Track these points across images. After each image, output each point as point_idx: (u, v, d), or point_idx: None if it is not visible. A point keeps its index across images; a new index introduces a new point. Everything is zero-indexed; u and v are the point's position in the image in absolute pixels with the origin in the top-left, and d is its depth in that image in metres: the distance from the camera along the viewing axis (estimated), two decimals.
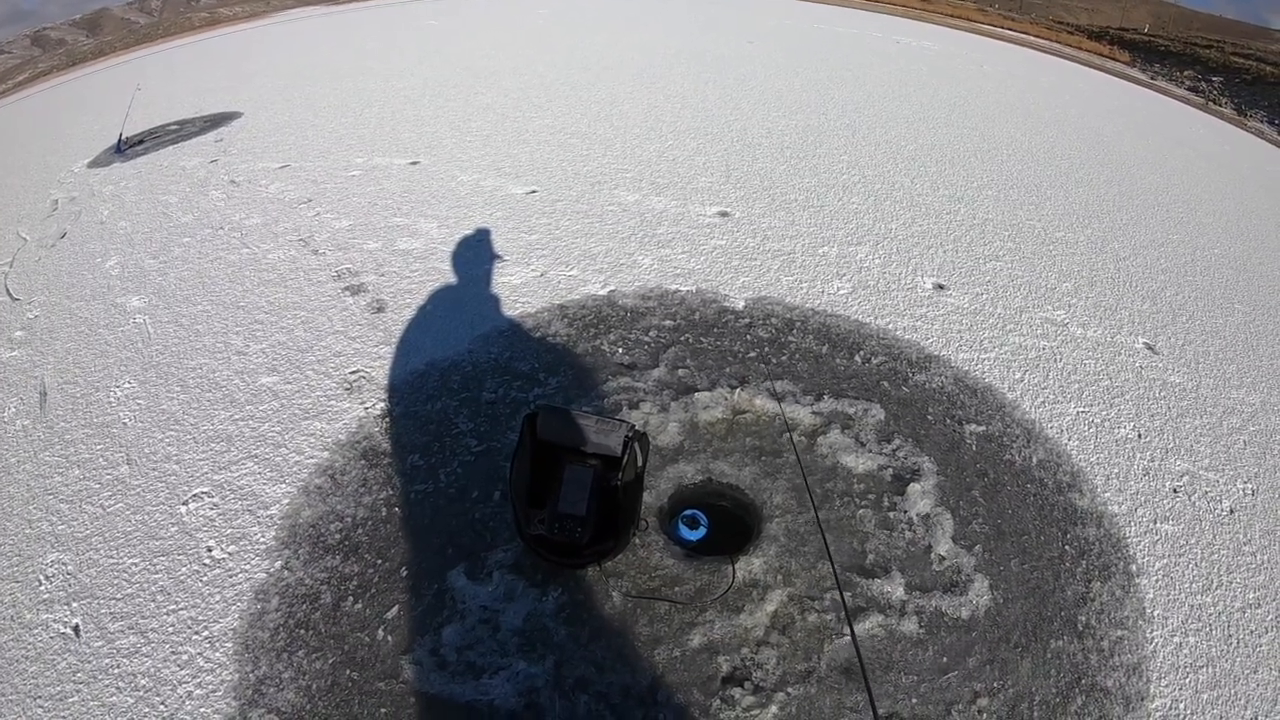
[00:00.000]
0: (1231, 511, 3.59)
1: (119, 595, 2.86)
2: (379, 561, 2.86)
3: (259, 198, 6.02)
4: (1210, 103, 10.08)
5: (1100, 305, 5.02)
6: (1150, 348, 4.68)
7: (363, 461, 3.35)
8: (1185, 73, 10.95)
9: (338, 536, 2.97)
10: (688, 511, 3.03)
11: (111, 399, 3.93)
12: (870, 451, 3.44)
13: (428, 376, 3.88)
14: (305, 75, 10.50)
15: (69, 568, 3.02)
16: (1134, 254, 5.88)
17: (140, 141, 8.19)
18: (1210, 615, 3.06)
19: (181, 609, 2.76)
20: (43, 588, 2.96)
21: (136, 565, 2.97)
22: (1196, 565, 3.26)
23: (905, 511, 3.21)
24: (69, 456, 3.59)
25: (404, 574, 2.81)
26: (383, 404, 3.70)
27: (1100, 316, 4.88)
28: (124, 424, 3.75)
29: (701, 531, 2.98)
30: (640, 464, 2.67)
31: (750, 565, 2.91)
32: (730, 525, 3.18)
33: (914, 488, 3.29)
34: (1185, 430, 4.04)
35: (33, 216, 6.62)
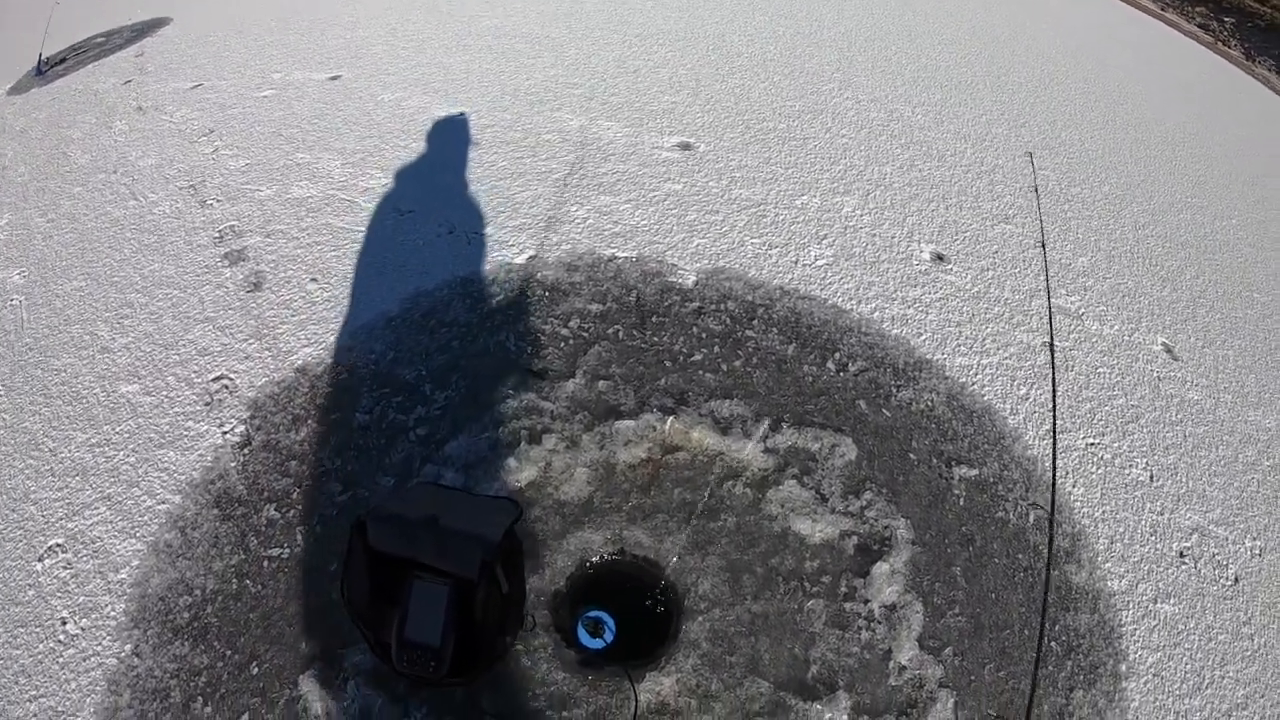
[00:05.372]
0: (1236, 581, 3.08)
1: None
2: (229, 652, 2.42)
3: (160, 130, 5.08)
4: (1219, 42, 9.22)
5: (1118, 290, 4.26)
6: (1169, 350, 4.00)
7: (215, 511, 2.77)
8: (1197, 9, 10.05)
9: (187, 615, 2.51)
10: (592, 613, 2.32)
11: None
12: (833, 511, 2.73)
13: (295, 390, 3.11)
14: None
15: None
16: (1152, 219, 5.08)
17: (63, 60, 6.95)
18: None
19: (42, 695, 2.42)
20: None
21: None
22: (1191, 658, 2.78)
23: (867, 601, 2.55)
24: None
25: (255, 672, 2.39)
26: (242, 428, 3.04)
27: (1118, 306, 4.15)
28: None
29: (608, 638, 2.29)
30: (505, 588, 1.91)
31: (659, 685, 2.22)
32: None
33: (880, 569, 2.61)
34: (1200, 467, 3.45)
35: None
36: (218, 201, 4.25)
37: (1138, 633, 2.78)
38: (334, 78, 5.42)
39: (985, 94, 6.09)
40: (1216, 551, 3.14)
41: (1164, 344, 4.05)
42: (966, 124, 5.48)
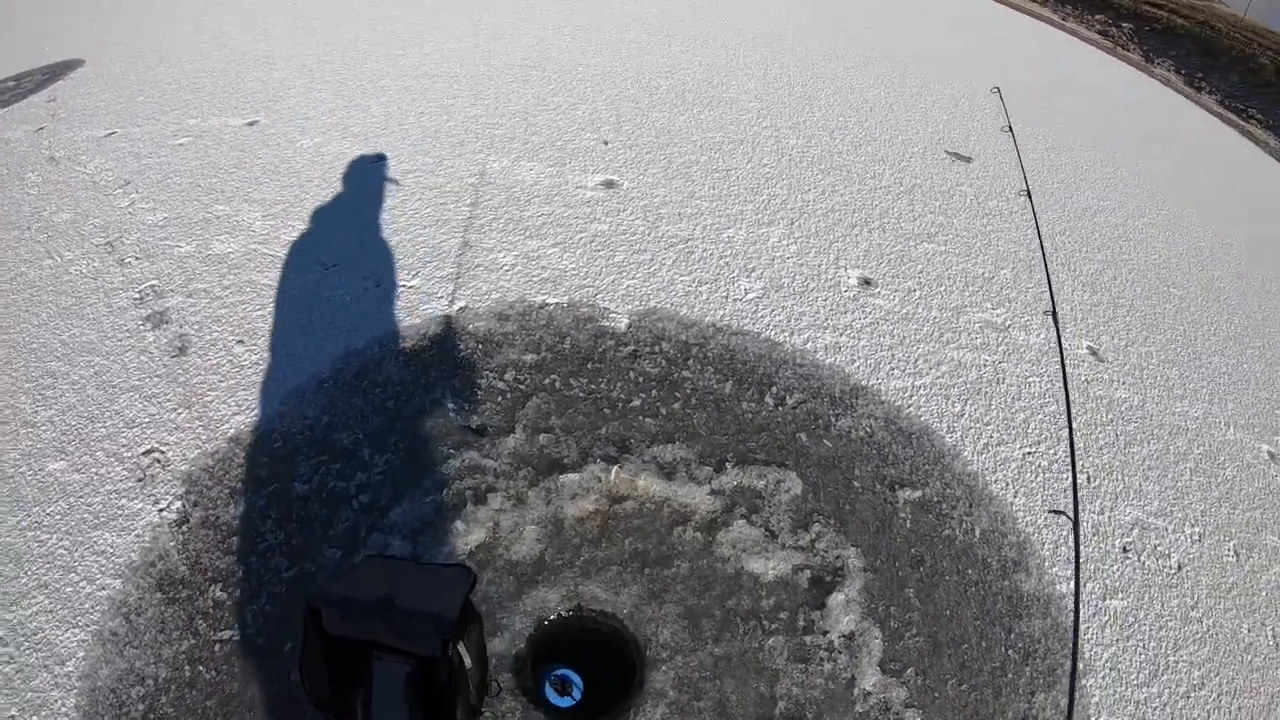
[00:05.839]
0: (1180, 568, 3.18)
1: None
2: None
3: (74, 182, 4.82)
4: (1119, 47, 9.73)
5: (1041, 299, 4.39)
6: (1094, 353, 4.14)
7: (159, 595, 2.60)
8: (1096, 17, 10.62)
9: (141, 707, 2.34)
10: (558, 671, 2.27)
11: None
12: (784, 546, 2.73)
13: (230, 461, 2.97)
14: (161, 9, 8.50)
15: None
16: (1068, 226, 5.28)
17: None
18: (1153, 709, 2.68)
19: None
20: None
21: None
22: (1144, 648, 2.86)
23: (825, 633, 2.55)
24: None
25: None
26: (179, 504, 2.87)
27: (1042, 313, 4.26)
28: None
29: (576, 695, 2.25)
30: (468, 662, 1.86)
31: None
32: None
33: (836, 599, 2.62)
34: (1134, 463, 3.57)
35: None
36: (136, 259, 4.08)
37: (1090, 631, 2.84)
38: (251, 123, 5.27)
39: (901, 114, 6.28)
40: (1158, 543, 3.24)
41: (1089, 347, 4.19)
42: (883, 146, 5.64)
